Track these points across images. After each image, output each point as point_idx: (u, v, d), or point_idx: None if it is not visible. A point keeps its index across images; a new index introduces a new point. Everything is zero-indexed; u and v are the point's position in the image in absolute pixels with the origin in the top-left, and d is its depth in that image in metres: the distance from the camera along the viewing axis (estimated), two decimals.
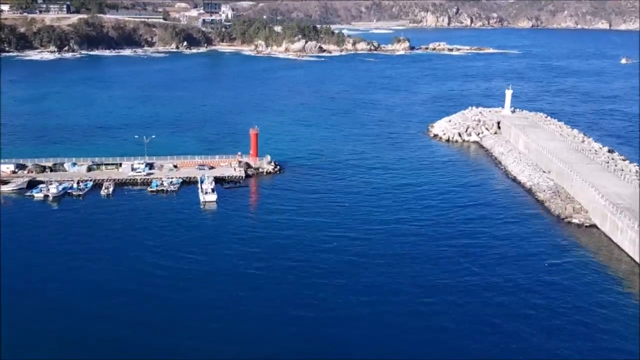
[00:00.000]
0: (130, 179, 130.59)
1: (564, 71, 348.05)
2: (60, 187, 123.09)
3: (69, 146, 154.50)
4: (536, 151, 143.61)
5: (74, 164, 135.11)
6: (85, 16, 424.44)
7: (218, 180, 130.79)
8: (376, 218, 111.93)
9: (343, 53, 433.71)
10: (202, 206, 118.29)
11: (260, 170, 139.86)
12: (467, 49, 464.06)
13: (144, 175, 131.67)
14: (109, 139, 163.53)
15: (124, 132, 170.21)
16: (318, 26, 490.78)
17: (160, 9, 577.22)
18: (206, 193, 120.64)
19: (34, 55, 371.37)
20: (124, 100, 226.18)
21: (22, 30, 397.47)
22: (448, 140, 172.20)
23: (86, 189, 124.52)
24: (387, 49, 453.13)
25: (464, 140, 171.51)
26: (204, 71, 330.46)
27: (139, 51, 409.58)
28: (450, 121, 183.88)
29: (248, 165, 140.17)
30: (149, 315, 77.42)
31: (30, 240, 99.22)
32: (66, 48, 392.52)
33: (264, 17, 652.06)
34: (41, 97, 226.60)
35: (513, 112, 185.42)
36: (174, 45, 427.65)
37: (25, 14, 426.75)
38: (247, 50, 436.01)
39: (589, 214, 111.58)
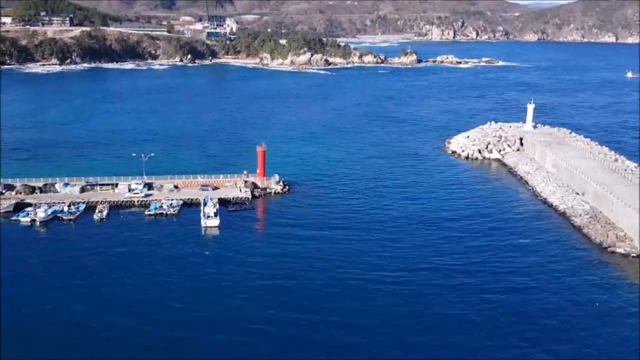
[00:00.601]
0: (127, 201, 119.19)
1: (575, 84, 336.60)
2: (50, 211, 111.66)
3: (63, 164, 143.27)
4: (567, 170, 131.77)
5: (66, 185, 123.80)
6: (88, 29, 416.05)
7: (222, 202, 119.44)
8: (393, 246, 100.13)
9: (349, 66, 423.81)
10: (203, 232, 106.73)
11: (267, 190, 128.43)
12: (475, 62, 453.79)
13: (142, 197, 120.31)
14: (106, 156, 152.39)
15: (122, 149, 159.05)
16: (324, 39, 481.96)
17: (164, 22, 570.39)
18: (208, 217, 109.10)
19: (35, 68, 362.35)
20: (124, 114, 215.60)
21: (23, 43, 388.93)
22: (467, 158, 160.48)
23: (78, 213, 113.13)
24: (394, 62, 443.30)
25: (484, 158, 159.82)
26: (208, 84, 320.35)
27: (142, 64, 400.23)
28: (468, 137, 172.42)
29: (255, 186, 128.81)
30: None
31: (10, 273, 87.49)
32: (68, 61, 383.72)
33: (269, 30, 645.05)
34: (38, 111, 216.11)
35: (535, 127, 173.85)
36: (177, 59, 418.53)
37: (27, 26, 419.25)
38: (252, 63, 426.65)
39: (635, 242, 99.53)
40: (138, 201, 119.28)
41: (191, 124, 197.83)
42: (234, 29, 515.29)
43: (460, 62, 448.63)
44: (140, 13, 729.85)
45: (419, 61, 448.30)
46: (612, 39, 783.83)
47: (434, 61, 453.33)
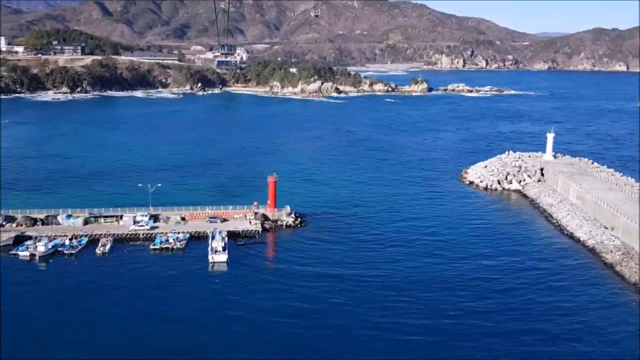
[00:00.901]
0: (131, 234, 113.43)
1: (590, 113, 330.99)
2: (50, 245, 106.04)
3: (67, 194, 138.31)
4: (593, 203, 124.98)
5: (69, 216, 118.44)
6: (99, 57, 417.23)
7: (231, 235, 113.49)
8: (415, 287, 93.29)
9: (360, 94, 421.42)
10: (210, 267, 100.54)
11: (279, 223, 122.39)
12: (487, 90, 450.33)
13: (147, 230, 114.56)
14: (112, 186, 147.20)
15: (129, 178, 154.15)
16: (334, 67, 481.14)
17: (175, 52, 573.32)
18: (216, 252, 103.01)
19: (45, 96, 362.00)
20: (132, 142, 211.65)
21: (35, 71, 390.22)
22: (486, 188, 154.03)
23: (80, 246, 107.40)
24: (405, 90, 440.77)
25: (503, 189, 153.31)
26: (217, 113, 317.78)
27: (153, 92, 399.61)
28: (486, 167, 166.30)
29: (265, 218, 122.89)
30: None
31: (5, 312, 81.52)
32: (79, 89, 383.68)
33: (279, 59, 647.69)
34: (45, 140, 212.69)
35: (555, 157, 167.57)
36: (188, 87, 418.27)
37: (39, 55, 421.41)
38: (262, 91, 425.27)
39: None
40: (143, 234, 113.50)
41: (200, 153, 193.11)
42: (244, 58, 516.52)
43: (471, 91, 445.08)
44: (152, 42, 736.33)
45: (430, 90, 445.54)
46: (623, 68, 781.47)
47: (445, 90, 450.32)
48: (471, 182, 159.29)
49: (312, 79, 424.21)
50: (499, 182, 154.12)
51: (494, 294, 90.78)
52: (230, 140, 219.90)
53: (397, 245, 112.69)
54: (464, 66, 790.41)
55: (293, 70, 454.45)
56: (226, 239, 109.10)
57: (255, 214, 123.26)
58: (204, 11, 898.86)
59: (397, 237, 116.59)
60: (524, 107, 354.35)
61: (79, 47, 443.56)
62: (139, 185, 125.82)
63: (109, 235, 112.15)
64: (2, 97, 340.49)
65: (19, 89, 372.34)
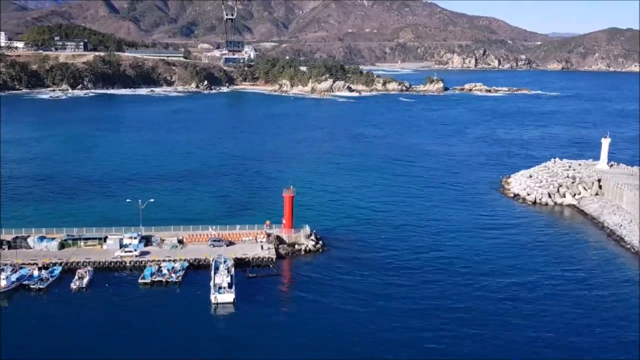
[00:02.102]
0: (116, 263, 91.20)
1: (621, 115, 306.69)
2: (14, 277, 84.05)
3: (43, 208, 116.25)
4: None
5: (42, 239, 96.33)
6: (101, 54, 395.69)
7: (239, 264, 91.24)
8: (464, 328, 70.90)
9: (373, 93, 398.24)
10: (213, 309, 78.27)
11: (296, 247, 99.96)
12: (505, 90, 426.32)
13: (136, 256, 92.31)
14: (98, 199, 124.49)
15: (121, 188, 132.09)
16: (345, 66, 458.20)
17: (182, 49, 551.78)
18: (220, 289, 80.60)
19: (44, 93, 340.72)
20: (129, 145, 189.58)
21: (34, 67, 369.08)
22: (535, 203, 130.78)
23: (51, 279, 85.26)
24: (420, 90, 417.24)
25: (555, 203, 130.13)
26: (224, 112, 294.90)
27: (157, 90, 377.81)
28: (531, 176, 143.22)
29: (280, 240, 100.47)
30: None
31: None
32: (79, 86, 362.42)
33: (287, 57, 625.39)
34: (33, 141, 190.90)
35: (610, 166, 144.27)
36: (193, 85, 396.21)
37: (40, 51, 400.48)
38: (270, 90, 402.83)
39: None
40: (130, 262, 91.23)
41: (202, 158, 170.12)
42: (252, 56, 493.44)
43: (489, 91, 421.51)
44: (159, 40, 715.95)
45: (446, 89, 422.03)
46: (638, 69, 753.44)
47: (462, 89, 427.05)
48: (516, 195, 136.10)
49: (323, 77, 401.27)
50: (549, 196, 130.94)
51: (566, 336, 68.21)
52: (238, 144, 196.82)
53: (434, 269, 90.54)
54: (475, 66, 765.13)
55: (303, 68, 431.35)
56: (232, 269, 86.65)
57: (268, 235, 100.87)
58: (212, 9, 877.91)
59: (434, 262, 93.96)
60: (550, 108, 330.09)
61: (82, 43, 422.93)
62: (127, 200, 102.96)
63: (88, 264, 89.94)
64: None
65: (17, 86, 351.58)
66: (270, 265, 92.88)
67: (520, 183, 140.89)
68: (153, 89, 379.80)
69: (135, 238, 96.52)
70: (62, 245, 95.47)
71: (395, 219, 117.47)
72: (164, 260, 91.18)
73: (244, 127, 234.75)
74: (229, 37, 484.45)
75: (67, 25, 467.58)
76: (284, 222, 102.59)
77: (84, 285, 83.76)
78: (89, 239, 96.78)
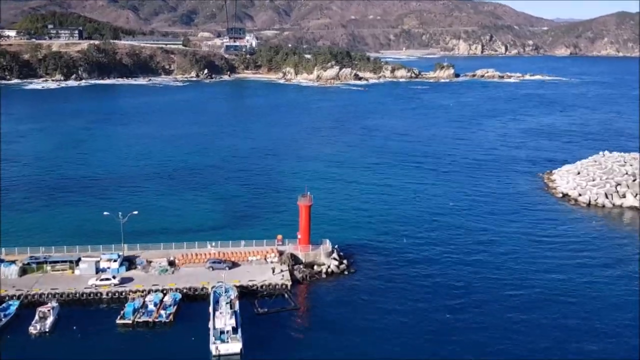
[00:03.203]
0: (90, 295, 71.35)
1: None
2: None
3: (8, 219, 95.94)
4: None
5: None
6: (96, 42, 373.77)
7: (245, 294, 71.45)
8: None
9: (381, 81, 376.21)
10: None
11: (315, 268, 79.97)
12: (519, 76, 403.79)
13: (115, 285, 72.44)
14: (77, 206, 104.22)
15: (103, 192, 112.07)
16: (352, 53, 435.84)
17: (181, 38, 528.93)
18: (222, 335, 60.68)
19: (35, 84, 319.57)
20: (121, 139, 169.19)
21: (26, 57, 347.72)
22: (589, 205, 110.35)
23: (4, 320, 65.54)
24: (429, 76, 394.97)
25: (614, 205, 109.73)
26: (225, 102, 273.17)
27: (155, 80, 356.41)
28: (579, 173, 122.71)
29: (295, 260, 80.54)
30: None
31: None
32: (73, 76, 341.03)
33: (289, 45, 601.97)
34: (15, 136, 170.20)
35: None
36: (193, 74, 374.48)
37: (33, 40, 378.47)
38: (274, 78, 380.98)
39: None
40: (108, 293, 71.37)
41: (200, 155, 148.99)
42: (254, 44, 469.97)
43: (502, 77, 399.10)
44: (158, 29, 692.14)
45: (457, 75, 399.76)
46: None
47: (473, 75, 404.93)
48: (565, 195, 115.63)
49: (329, 64, 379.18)
50: (606, 196, 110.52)
51: None
52: (241, 138, 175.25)
53: (489, 292, 70.45)
54: (482, 52, 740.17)
55: (307, 55, 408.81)
56: (237, 303, 66.88)
57: (280, 254, 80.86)
58: None
59: (499, 294, 73.76)
60: (572, 94, 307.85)
61: (76, 32, 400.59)
62: (105, 214, 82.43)
63: (54, 296, 70.10)
64: None
65: (7, 76, 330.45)
66: (285, 295, 72.86)
67: (567, 181, 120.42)
68: (151, 78, 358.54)
69: (115, 260, 76.61)
70: (23, 271, 75.61)
71: (431, 228, 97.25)
72: (150, 291, 71.32)
73: (247, 119, 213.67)
74: (230, 23, 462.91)
75: (61, 13, 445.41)
76: (299, 236, 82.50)
77: (46, 329, 64.03)
78: (58, 262, 76.84)
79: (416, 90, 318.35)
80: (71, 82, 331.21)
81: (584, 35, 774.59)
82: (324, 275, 78.87)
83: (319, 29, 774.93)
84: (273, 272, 76.44)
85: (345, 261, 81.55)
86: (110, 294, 71.20)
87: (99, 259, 76.90)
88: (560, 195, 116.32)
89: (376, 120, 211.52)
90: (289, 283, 74.55)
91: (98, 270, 75.48)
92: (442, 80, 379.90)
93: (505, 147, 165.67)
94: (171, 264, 78.22)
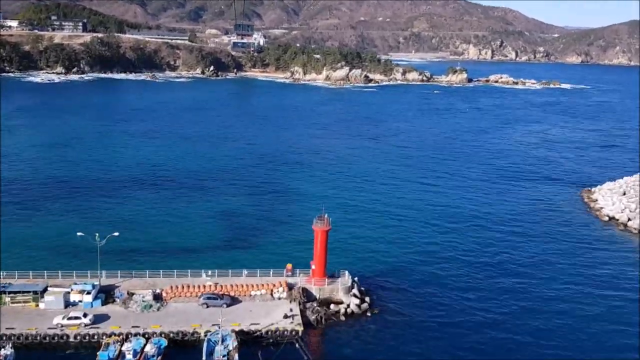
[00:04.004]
0: (54, 337, 57.03)
1: None
2: None
3: None
4: None
5: None
6: (100, 35, 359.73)
7: (247, 340, 57.09)
8: None
9: (392, 83, 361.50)
10: None
11: (332, 307, 65.53)
12: (534, 83, 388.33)
13: (86, 325, 58.11)
14: (53, 218, 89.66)
15: (87, 200, 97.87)
16: (362, 53, 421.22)
17: (189, 34, 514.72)
18: None
19: (36, 77, 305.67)
20: (116, 138, 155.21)
21: (26, 48, 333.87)
22: None
23: None
24: (441, 80, 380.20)
25: None
26: (230, 102, 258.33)
27: (159, 75, 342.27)
28: (625, 193, 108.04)
29: (308, 296, 66.16)
30: None
31: None
32: (75, 69, 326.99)
33: (297, 45, 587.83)
34: (5, 132, 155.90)
35: None
36: (199, 70, 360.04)
37: (35, 31, 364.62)
38: (281, 77, 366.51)
39: None
40: (77, 336, 57.01)
41: (198, 161, 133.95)
42: (262, 43, 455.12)
43: (517, 83, 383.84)
44: (166, 25, 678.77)
45: (469, 80, 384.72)
46: None
47: (487, 80, 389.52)
48: (612, 219, 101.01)
49: (339, 65, 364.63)
50: None
51: None
52: (246, 143, 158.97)
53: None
54: (492, 57, 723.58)
55: (316, 55, 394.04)
56: (236, 356, 52.58)
57: (290, 288, 66.44)
58: None
59: (534, 329, 59.24)
60: (595, 103, 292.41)
61: (80, 24, 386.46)
62: (79, 234, 67.87)
63: (10, 339, 55.79)
64: None
65: (7, 68, 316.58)
66: (296, 344, 58.42)
67: (612, 202, 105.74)
68: (155, 73, 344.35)
69: (88, 292, 62.33)
70: None
71: (465, 254, 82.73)
72: (129, 335, 56.93)
73: (253, 122, 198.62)
74: (238, 20, 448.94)
75: (65, 4, 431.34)
76: (313, 267, 68.08)
77: None
78: (19, 292, 62.53)
79: (430, 95, 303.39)
80: (72, 76, 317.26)
81: (596, 43, 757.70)
82: (342, 317, 64.47)
83: (327, 29, 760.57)
84: (285, 317, 61.76)
85: (367, 299, 67.18)
86: (79, 337, 56.88)
87: (69, 289, 62.67)
88: (606, 218, 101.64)
89: (393, 125, 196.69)
90: (301, 328, 60.08)
91: (67, 304, 61.30)
92: (455, 85, 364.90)
93: (534, 158, 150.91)
94: (157, 297, 63.89)
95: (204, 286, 65.47)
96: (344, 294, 66.96)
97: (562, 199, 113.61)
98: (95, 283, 64.02)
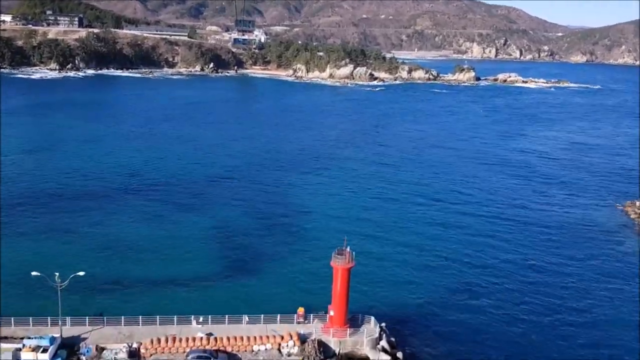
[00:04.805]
0: None
1: None
2: None
3: None
4: None
5: None
6: (95, 30, 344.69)
7: None
8: None
9: (397, 82, 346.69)
10: None
11: None
12: (543, 82, 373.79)
13: None
14: (14, 243, 74.60)
15: (56, 216, 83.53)
16: (366, 51, 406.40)
17: (188, 29, 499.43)
18: None
19: (28, 73, 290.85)
20: (106, 140, 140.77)
21: (19, 43, 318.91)
22: None
23: None
24: (448, 79, 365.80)
25: None
26: (230, 101, 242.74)
27: (157, 72, 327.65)
28: None
29: (325, 351, 51.97)
30: None
31: None
32: (69, 66, 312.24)
33: (299, 42, 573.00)
34: None
35: None
36: (198, 67, 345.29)
37: (29, 26, 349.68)
38: (283, 75, 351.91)
39: None
40: None
41: (196, 167, 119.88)
42: (263, 40, 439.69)
43: (526, 82, 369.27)
44: (166, 21, 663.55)
45: (477, 79, 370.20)
46: None
47: (495, 79, 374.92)
48: None
49: (343, 62, 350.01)
50: None
51: None
52: (245, 149, 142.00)
53: None
54: (496, 56, 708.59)
55: (320, 53, 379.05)
56: None
57: (303, 341, 52.18)
58: None
59: None
60: (611, 104, 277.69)
61: (76, 19, 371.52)
62: (34, 274, 53.18)
63: None
64: None
65: None
66: None
67: None
68: (152, 70, 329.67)
69: (45, 350, 48.16)
70: None
71: (512, 287, 68.59)
72: None
73: (255, 124, 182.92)
74: (239, 15, 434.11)
75: None
76: (331, 312, 53.89)
77: None
78: None
79: (438, 94, 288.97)
80: (67, 72, 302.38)
81: (601, 42, 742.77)
82: None
83: (329, 27, 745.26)
84: None
85: (399, 354, 53.03)
86: None
87: (20, 345, 48.55)
88: None
89: (405, 126, 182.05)
90: None
91: None
92: (463, 84, 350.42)
93: (558, 167, 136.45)
94: (133, 354, 49.71)
95: (194, 339, 51.28)
96: (370, 348, 52.83)
97: (602, 211, 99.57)
98: (55, 335, 49.88)
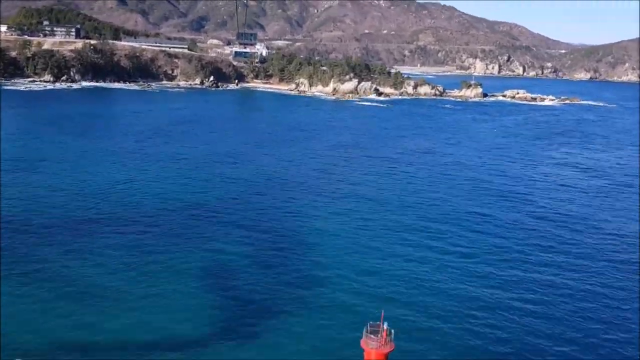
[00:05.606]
0: None
1: None
2: None
3: None
4: None
5: None
6: (93, 41, 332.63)
7: None
8: None
9: (403, 97, 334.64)
10: None
11: None
12: (553, 99, 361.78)
13: None
14: None
15: (25, 256, 69.16)
16: (370, 65, 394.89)
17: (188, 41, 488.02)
18: None
19: (19, 85, 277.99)
20: (91, 157, 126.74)
21: (13, 54, 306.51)
22: None
23: None
24: (455, 95, 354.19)
25: None
26: (230, 118, 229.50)
27: (155, 85, 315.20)
28: None
29: None
30: None
31: None
32: (64, 78, 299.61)
33: (301, 56, 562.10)
34: None
35: None
36: (198, 81, 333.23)
37: (25, 36, 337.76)
38: (285, 89, 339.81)
39: None
40: None
41: (192, 190, 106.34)
42: (264, 53, 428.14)
43: (535, 99, 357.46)
44: (168, 34, 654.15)
45: (485, 95, 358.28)
46: None
47: (503, 96, 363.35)
48: None
49: (347, 77, 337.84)
50: None
51: None
52: (247, 177, 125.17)
53: None
54: (499, 72, 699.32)
55: (323, 67, 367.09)
56: None
57: None
58: (223, 4, 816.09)
59: None
60: (630, 122, 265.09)
61: (73, 30, 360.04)
62: None
63: None
64: None
65: None
66: None
67: None
68: (150, 83, 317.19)
69: None
70: None
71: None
72: None
73: (258, 138, 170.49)
74: (240, 29, 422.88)
75: (58, 9, 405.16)
76: None
77: None
78: None
79: (446, 110, 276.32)
80: (60, 84, 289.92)
81: (605, 59, 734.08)
82: None
83: (331, 41, 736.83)
84: None
85: None
86: None
87: None
88: None
89: (418, 145, 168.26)
90: None
91: None
92: (471, 100, 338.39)
93: (578, 190, 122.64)
94: None
95: None
96: None
97: (633, 246, 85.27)
98: None
